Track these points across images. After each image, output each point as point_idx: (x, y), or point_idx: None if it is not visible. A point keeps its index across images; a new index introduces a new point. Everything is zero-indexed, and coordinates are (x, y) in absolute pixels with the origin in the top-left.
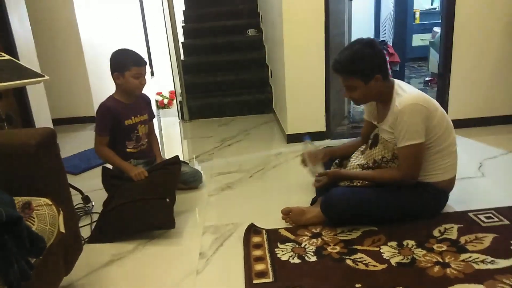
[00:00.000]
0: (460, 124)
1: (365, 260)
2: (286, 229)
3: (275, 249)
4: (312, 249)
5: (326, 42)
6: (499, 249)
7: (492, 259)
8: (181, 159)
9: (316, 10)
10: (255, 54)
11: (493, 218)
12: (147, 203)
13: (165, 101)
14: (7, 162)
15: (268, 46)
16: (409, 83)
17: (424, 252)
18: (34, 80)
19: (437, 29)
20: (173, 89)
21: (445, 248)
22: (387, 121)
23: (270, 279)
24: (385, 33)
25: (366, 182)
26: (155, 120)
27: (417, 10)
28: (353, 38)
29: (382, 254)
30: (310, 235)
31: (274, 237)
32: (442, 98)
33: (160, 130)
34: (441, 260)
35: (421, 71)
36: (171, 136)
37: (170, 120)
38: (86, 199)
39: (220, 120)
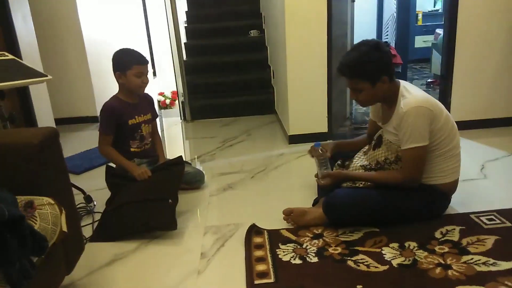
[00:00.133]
0: (462, 126)
1: (367, 261)
2: (288, 229)
3: (277, 250)
4: (314, 250)
5: (328, 43)
6: (501, 251)
7: (494, 261)
8: (184, 159)
9: (319, 11)
10: (257, 55)
11: (495, 220)
12: (149, 204)
13: (167, 101)
14: (10, 161)
15: (271, 47)
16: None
17: (426, 253)
18: (37, 79)
19: (440, 31)
20: (175, 90)
21: (447, 250)
22: (391, 123)
23: (271, 280)
24: (387, 35)
25: (369, 183)
26: (157, 120)
27: (420, 11)
28: (356, 40)
29: (384, 256)
30: (311, 236)
31: (276, 237)
32: (444, 100)
33: (162, 130)
34: (442, 262)
35: (424, 73)
36: (173, 136)
37: (172, 121)
38: (88, 199)
39: (222, 121)
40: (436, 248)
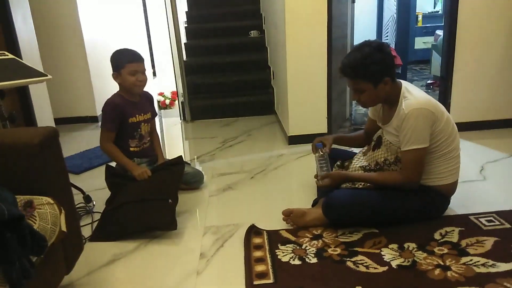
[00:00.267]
0: (461, 127)
1: (366, 262)
2: (287, 230)
3: (276, 250)
4: (313, 250)
5: (328, 44)
6: (500, 252)
7: (493, 262)
8: (183, 159)
9: (319, 12)
10: (257, 55)
11: (494, 222)
12: (149, 203)
13: (167, 101)
14: (9, 161)
15: (271, 48)
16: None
17: (425, 255)
18: (37, 79)
19: (440, 32)
20: (175, 90)
21: (446, 251)
22: (392, 124)
23: (271, 280)
24: (387, 36)
25: (368, 184)
26: (157, 121)
27: (420, 13)
28: (356, 40)
29: (383, 257)
30: (311, 236)
31: (275, 238)
32: (444, 101)
33: (162, 131)
34: (442, 263)
35: (423, 74)
36: (172, 136)
37: (172, 121)
38: (87, 199)
39: (222, 121)
40: (435, 249)
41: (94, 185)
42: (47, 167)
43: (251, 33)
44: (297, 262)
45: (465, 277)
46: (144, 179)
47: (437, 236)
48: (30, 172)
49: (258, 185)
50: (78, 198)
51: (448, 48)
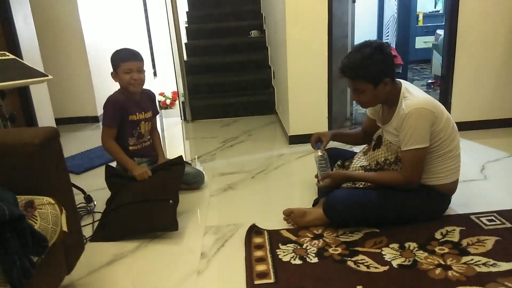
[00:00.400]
0: (462, 126)
1: (367, 262)
2: (288, 230)
3: (277, 250)
4: (314, 250)
5: (329, 44)
6: (501, 252)
7: (494, 262)
8: (184, 159)
9: (320, 12)
10: (258, 55)
11: (495, 221)
12: (150, 204)
13: (168, 101)
14: (10, 161)
15: (271, 48)
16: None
17: (426, 254)
18: (37, 79)
19: (440, 32)
20: (176, 90)
21: (447, 250)
22: (392, 124)
23: (271, 280)
24: (388, 35)
25: (369, 184)
26: (157, 120)
27: (421, 12)
28: (357, 40)
29: (384, 256)
30: (311, 236)
31: (276, 238)
32: (445, 101)
33: (163, 131)
34: (443, 263)
35: (424, 74)
36: (173, 136)
37: (172, 121)
38: (88, 199)
39: (222, 121)
40: (436, 249)
41: (95, 185)
42: (48, 167)
43: (251, 33)
44: (298, 261)
45: (466, 277)
46: (144, 179)
47: (438, 235)
48: (31, 172)
49: (259, 185)
50: (79, 198)
51: (449, 48)
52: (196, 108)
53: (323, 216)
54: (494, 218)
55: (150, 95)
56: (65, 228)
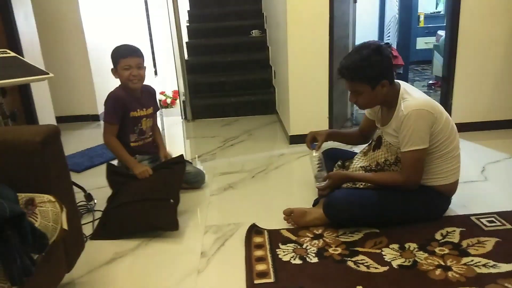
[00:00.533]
0: (463, 127)
1: (367, 262)
2: (288, 230)
3: (277, 250)
4: (314, 250)
5: (330, 44)
6: (501, 253)
7: (494, 263)
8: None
9: (321, 12)
10: (259, 55)
11: (495, 222)
12: (151, 203)
13: (168, 100)
14: (11, 159)
15: (272, 47)
16: (412, 86)
17: (426, 255)
18: (38, 77)
19: (442, 33)
20: (177, 89)
21: (447, 251)
22: (391, 125)
23: (271, 280)
24: (389, 36)
25: (369, 184)
26: (158, 120)
27: (422, 13)
28: (358, 40)
29: (384, 256)
30: (311, 236)
31: (276, 237)
32: (446, 102)
33: (163, 130)
34: (443, 264)
35: (425, 74)
36: (174, 135)
37: (173, 120)
38: (88, 197)
39: (223, 120)
40: (436, 250)
41: (95, 183)
42: (49, 165)
43: (252, 33)
44: (297, 261)
45: (466, 278)
46: (145, 177)
47: (438, 236)
48: (31, 170)
49: (259, 185)
50: (79, 196)
51: (450, 49)
52: (196, 107)
53: (323, 216)
54: (494, 219)
55: (150, 91)
56: (65, 226)
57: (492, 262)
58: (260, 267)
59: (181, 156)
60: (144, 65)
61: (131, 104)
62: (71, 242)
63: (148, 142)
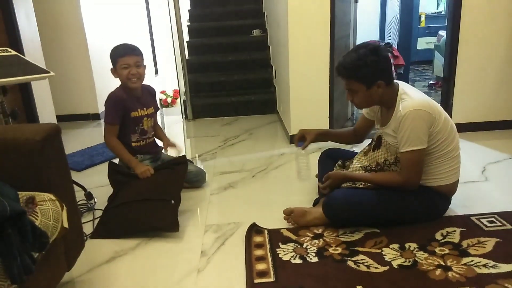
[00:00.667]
0: (464, 128)
1: (367, 262)
2: (288, 229)
3: (277, 249)
4: (314, 250)
5: (331, 44)
6: (501, 253)
7: (494, 263)
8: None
9: (322, 12)
10: (259, 54)
11: (495, 223)
12: (151, 203)
13: (169, 99)
14: (12, 157)
15: (273, 47)
16: (413, 86)
17: (426, 255)
18: (39, 76)
19: (442, 33)
20: (177, 88)
21: (447, 251)
22: (390, 126)
23: (271, 279)
24: (390, 36)
25: (369, 184)
26: (158, 119)
27: (423, 13)
28: (358, 40)
29: (384, 256)
30: (312, 235)
31: (276, 237)
32: (447, 102)
33: (164, 129)
34: (443, 264)
35: (426, 74)
36: (174, 134)
37: (173, 119)
38: (88, 196)
39: (223, 120)
40: (437, 250)
41: (95, 182)
42: (49, 164)
43: (253, 32)
44: (298, 261)
45: (466, 278)
46: (147, 177)
47: (438, 236)
48: (32, 169)
49: (259, 184)
50: (79, 195)
51: (451, 49)
52: (197, 106)
53: (323, 216)
54: (494, 220)
55: (150, 91)
56: (65, 225)
57: (492, 263)
58: (260, 266)
59: (184, 156)
60: (144, 64)
61: (131, 104)
62: (71, 241)
63: (150, 142)
